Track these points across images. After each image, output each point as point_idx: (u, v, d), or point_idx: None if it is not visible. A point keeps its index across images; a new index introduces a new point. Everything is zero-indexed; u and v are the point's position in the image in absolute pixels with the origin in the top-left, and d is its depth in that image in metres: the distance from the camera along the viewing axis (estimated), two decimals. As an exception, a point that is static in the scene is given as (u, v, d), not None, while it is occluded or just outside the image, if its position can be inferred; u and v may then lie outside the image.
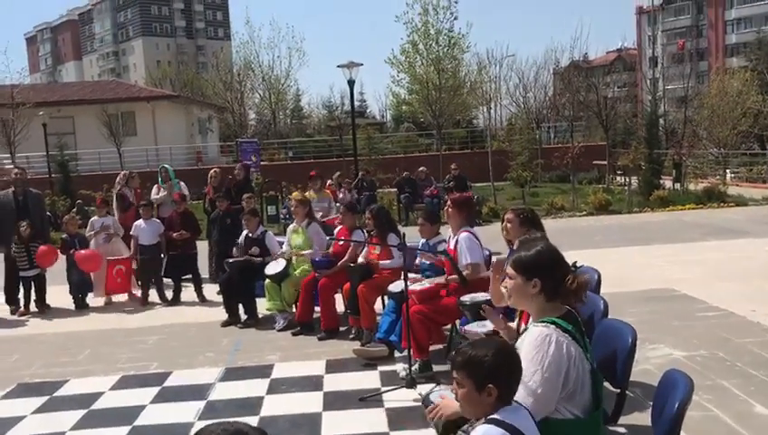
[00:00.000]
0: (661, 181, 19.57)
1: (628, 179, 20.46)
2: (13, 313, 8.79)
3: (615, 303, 4.88)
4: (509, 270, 2.82)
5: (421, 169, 18.56)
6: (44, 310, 8.86)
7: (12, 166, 23.78)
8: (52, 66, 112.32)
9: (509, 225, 4.77)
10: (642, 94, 40.02)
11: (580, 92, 27.58)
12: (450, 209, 5.82)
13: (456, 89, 26.19)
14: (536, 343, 2.63)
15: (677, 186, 20.30)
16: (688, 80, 29.45)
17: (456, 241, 5.65)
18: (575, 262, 2.90)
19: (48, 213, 13.13)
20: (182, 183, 10.87)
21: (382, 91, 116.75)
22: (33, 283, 8.87)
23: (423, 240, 6.22)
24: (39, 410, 5.33)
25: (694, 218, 15.10)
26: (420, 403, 3.65)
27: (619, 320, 3.53)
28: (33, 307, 8.90)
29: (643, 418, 3.91)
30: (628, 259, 10.31)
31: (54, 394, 5.67)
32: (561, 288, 2.73)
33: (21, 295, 8.93)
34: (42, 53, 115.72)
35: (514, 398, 2.41)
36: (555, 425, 2.61)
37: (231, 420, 1.85)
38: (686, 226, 14.06)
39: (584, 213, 17.06)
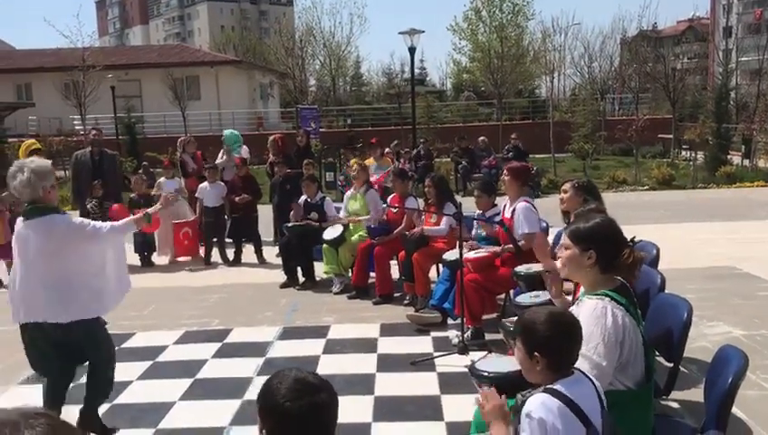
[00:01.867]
0: (729, 157, 18.91)
1: (693, 154, 19.86)
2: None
3: (674, 279, 4.83)
4: (565, 240, 2.84)
5: (481, 138, 18.40)
6: (113, 266, 9.26)
7: (81, 127, 24.70)
8: (119, 30, 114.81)
9: (565, 195, 4.76)
10: (713, 66, 38.52)
11: (648, 63, 26.74)
12: (507, 178, 5.81)
13: (518, 57, 25.76)
14: (594, 316, 2.64)
15: (746, 162, 19.58)
16: (764, 51, 28.15)
17: (514, 210, 5.65)
18: (633, 237, 2.90)
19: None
20: (244, 147, 11.07)
21: (443, 58, 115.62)
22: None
23: (479, 211, 6.24)
24: (108, 360, 5.63)
25: (761, 196, 14.58)
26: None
27: (675, 295, 3.51)
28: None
29: (697, 394, 3.87)
30: (689, 236, 10.09)
31: (122, 346, 5.96)
32: (617, 261, 2.73)
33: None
34: (110, 16, 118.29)
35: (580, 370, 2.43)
36: (607, 396, 2.64)
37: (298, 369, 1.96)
38: (752, 203, 13.62)
39: (646, 187, 16.68)
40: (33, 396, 4.46)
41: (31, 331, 4.00)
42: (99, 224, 4.06)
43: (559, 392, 2.26)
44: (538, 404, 2.25)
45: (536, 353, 2.32)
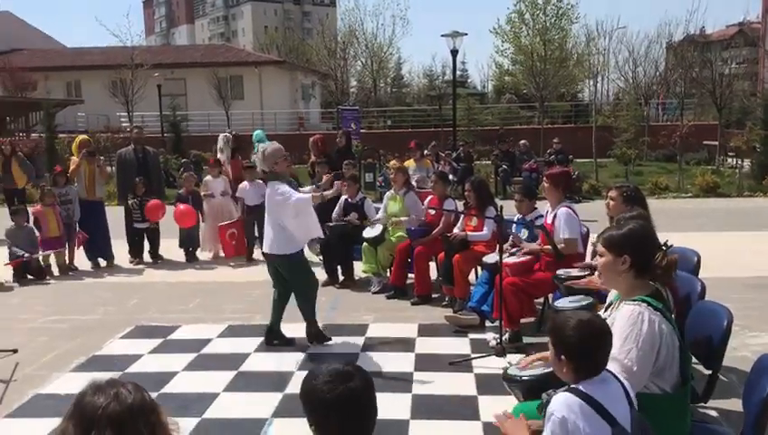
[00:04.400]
0: (777, 165, 18.47)
1: (740, 162, 19.45)
2: (131, 262, 9.51)
3: (717, 287, 4.81)
4: (599, 248, 2.89)
5: (522, 141, 18.34)
6: (157, 261, 9.54)
7: (128, 124, 25.31)
8: (166, 29, 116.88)
9: (612, 202, 4.74)
10: (763, 72, 37.61)
11: (694, 68, 26.25)
12: (546, 185, 5.84)
13: (561, 61, 25.57)
14: (629, 322, 2.69)
15: (795, 170, 19.10)
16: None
17: (555, 216, 5.68)
18: (666, 241, 2.94)
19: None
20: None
21: (484, 61, 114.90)
22: (146, 235, 9.55)
23: (519, 215, 6.27)
24: (154, 351, 5.83)
25: (811, 206, 14.25)
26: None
27: (715, 302, 3.52)
28: (147, 258, 9.60)
29: (736, 403, 3.87)
30: (734, 244, 9.93)
31: (168, 337, 6.18)
32: (651, 266, 2.77)
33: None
34: (157, 15, 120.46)
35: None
36: (643, 398, 2.67)
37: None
38: (801, 213, 13.32)
39: (690, 195, 16.42)
40: (82, 381, 4.65)
41: (267, 257, 5.78)
42: (292, 194, 5.52)
43: (581, 392, 2.32)
44: (560, 403, 2.32)
45: (563, 357, 2.39)
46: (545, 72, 25.06)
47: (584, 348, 2.36)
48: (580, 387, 2.34)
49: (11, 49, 36.28)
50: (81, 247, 9.28)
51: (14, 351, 5.74)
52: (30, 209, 9.45)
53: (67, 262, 9.12)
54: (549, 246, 5.57)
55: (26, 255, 8.58)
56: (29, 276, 8.66)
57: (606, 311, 2.97)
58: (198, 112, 31.21)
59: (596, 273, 4.46)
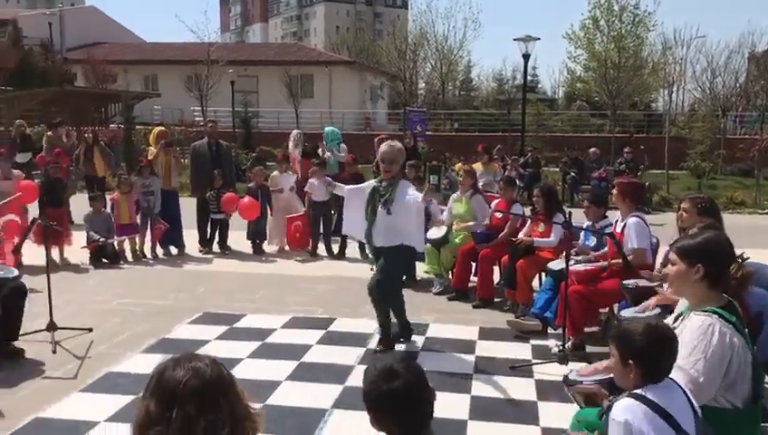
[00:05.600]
0: None
1: (823, 179, 18.61)
2: (201, 251, 9.81)
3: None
4: (672, 256, 2.85)
5: (592, 149, 18.02)
6: (226, 251, 9.80)
7: (201, 118, 26.02)
8: (240, 27, 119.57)
9: (684, 214, 4.62)
10: None
11: (777, 80, 25.21)
12: (616, 194, 5.76)
13: (636, 69, 24.90)
14: (699, 332, 2.65)
15: None
16: None
17: (625, 225, 5.59)
18: (742, 253, 2.87)
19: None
20: (343, 145, 11.39)
21: (556, 66, 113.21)
22: (219, 225, 9.83)
23: (588, 222, 6.20)
24: (221, 338, 6.01)
25: None
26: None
27: (792, 320, 3.41)
28: (216, 248, 9.88)
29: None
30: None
31: (234, 325, 6.35)
32: (725, 277, 2.72)
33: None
34: (233, 13, 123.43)
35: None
36: (712, 413, 2.63)
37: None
38: None
39: (767, 211, 15.80)
40: (152, 361, 4.83)
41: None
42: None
43: (644, 397, 2.32)
44: (623, 408, 2.32)
45: (630, 362, 2.38)
46: (618, 79, 24.47)
47: (651, 352, 2.37)
48: (644, 392, 2.34)
49: (94, 43, 37.83)
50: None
51: (90, 330, 6.02)
52: (107, 196, 9.88)
53: (142, 249, 9.44)
54: (618, 260, 5.48)
55: (102, 239, 8.95)
56: (104, 260, 9.03)
57: (675, 321, 2.92)
58: (269, 109, 31.81)
59: (665, 285, 4.38)
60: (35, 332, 5.64)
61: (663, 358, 2.41)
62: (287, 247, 9.93)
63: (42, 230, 6.38)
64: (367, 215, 5.66)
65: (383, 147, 5.67)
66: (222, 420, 1.72)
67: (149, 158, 9.66)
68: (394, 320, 5.82)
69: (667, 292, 3.84)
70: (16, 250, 6.81)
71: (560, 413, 4.22)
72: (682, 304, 3.05)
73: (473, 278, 7.42)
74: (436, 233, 7.68)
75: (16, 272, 5.58)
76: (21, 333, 5.53)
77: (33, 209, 8.69)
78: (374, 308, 5.74)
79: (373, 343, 5.83)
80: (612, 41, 24.38)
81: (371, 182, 5.95)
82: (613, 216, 6.06)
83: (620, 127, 30.06)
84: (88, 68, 32.65)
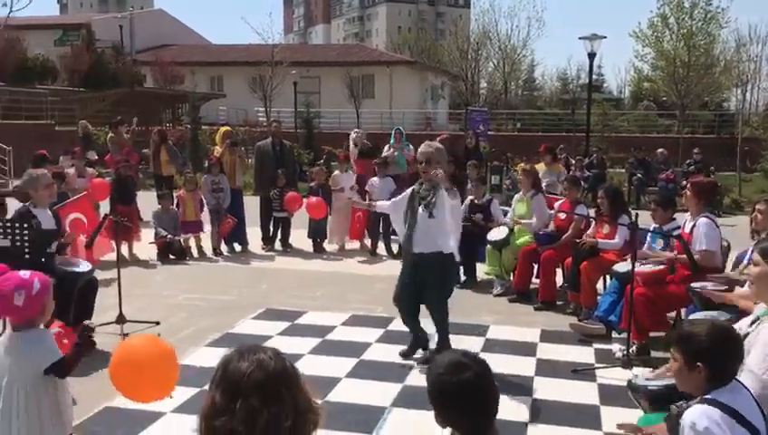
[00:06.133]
0: None
1: None
2: (263, 248, 9.98)
3: None
4: (755, 257, 2.76)
5: (660, 150, 17.56)
6: (287, 249, 9.95)
7: (264, 118, 26.48)
8: (303, 28, 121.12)
9: (760, 216, 4.49)
10: None
11: None
12: (689, 193, 5.59)
13: (707, 67, 24.06)
14: (777, 337, 2.56)
15: None
16: None
17: (694, 225, 5.42)
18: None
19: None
20: (410, 145, 11.39)
21: (622, 65, 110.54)
22: (281, 224, 9.99)
23: (654, 225, 6.03)
24: (283, 333, 6.11)
25: None
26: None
27: None
28: (278, 246, 10.04)
29: None
30: None
31: (295, 322, 6.45)
32: None
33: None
34: (296, 15, 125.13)
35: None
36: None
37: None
38: None
39: None
40: (216, 355, 4.95)
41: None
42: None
43: (719, 402, 2.26)
44: (700, 414, 2.25)
45: (699, 364, 2.32)
46: (688, 78, 23.70)
47: (716, 353, 2.32)
48: (717, 397, 2.27)
49: (162, 45, 38.95)
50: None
51: (157, 323, 6.21)
52: (174, 194, 10.16)
53: (217, 244, 9.64)
54: (683, 256, 5.32)
55: (169, 236, 9.22)
56: (171, 256, 9.29)
57: (751, 325, 2.82)
58: (330, 110, 32.12)
59: (737, 287, 4.24)
60: (106, 323, 5.84)
61: (728, 358, 2.34)
62: (347, 245, 10.01)
63: (113, 226, 6.61)
64: (406, 219, 5.29)
65: (421, 147, 5.32)
66: (285, 412, 1.74)
67: (216, 156, 9.89)
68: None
69: (743, 292, 3.71)
70: (89, 245, 7.07)
71: (623, 418, 4.09)
72: (759, 309, 2.95)
73: (534, 280, 7.32)
74: (497, 234, 7.61)
75: (91, 266, 5.80)
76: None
77: (105, 206, 9.00)
78: (401, 315, 5.54)
79: (432, 343, 5.81)
80: (682, 38, 23.63)
81: (409, 190, 5.61)
82: (681, 218, 5.88)
83: (689, 127, 29.14)
84: (156, 70, 33.65)
